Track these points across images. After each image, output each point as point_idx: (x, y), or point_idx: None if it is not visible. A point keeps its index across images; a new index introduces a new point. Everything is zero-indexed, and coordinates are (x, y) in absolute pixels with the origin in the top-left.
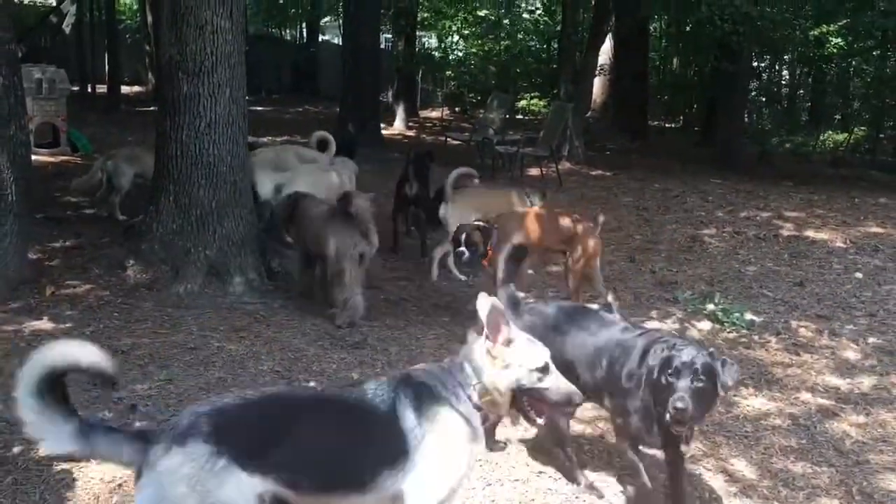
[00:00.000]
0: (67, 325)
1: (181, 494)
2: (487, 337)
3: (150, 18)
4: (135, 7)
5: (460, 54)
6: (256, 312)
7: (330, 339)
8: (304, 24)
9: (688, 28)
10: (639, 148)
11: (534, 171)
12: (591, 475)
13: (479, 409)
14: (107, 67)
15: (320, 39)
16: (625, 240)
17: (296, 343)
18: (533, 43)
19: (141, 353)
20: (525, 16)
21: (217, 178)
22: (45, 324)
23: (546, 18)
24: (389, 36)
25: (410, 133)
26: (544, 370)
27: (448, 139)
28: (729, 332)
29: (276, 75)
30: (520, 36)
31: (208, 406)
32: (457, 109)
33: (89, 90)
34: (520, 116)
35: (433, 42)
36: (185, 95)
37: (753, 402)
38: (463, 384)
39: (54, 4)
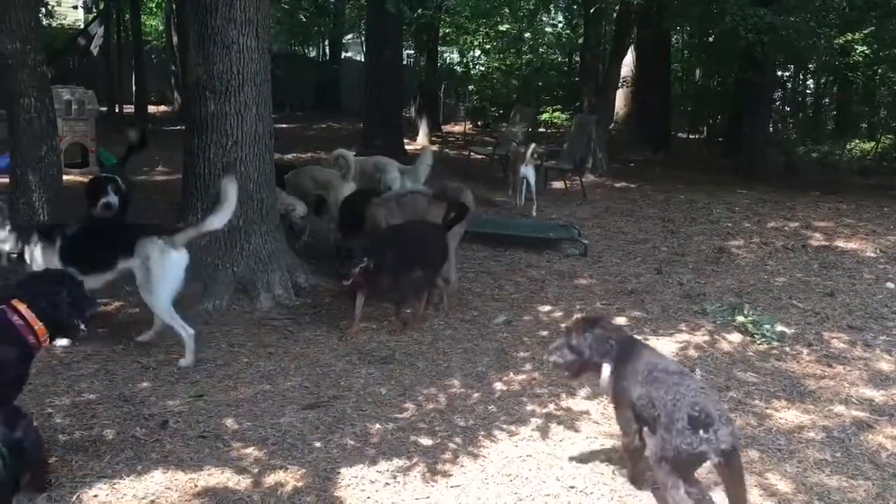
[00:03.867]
0: (98, 341)
1: None
2: None
3: (175, 39)
4: (160, 28)
5: (482, 69)
6: (284, 328)
7: (357, 355)
8: (326, 42)
9: (711, 39)
10: (663, 159)
11: (558, 184)
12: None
13: None
14: (134, 88)
15: (343, 56)
16: (651, 252)
17: (324, 359)
18: (555, 56)
19: (171, 368)
20: (547, 29)
21: (244, 195)
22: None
23: (568, 31)
24: (411, 52)
25: (434, 147)
26: None
27: (471, 153)
28: (759, 345)
29: (300, 93)
30: (542, 50)
31: None
32: (479, 124)
33: (117, 111)
34: (542, 130)
35: (455, 57)
36: (213, 114)
37: (786, 414)
38: None
39: (82, 27)
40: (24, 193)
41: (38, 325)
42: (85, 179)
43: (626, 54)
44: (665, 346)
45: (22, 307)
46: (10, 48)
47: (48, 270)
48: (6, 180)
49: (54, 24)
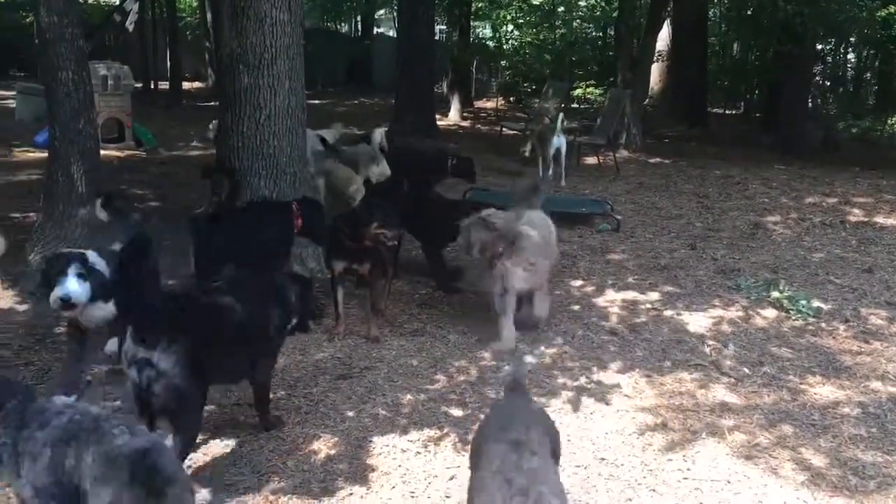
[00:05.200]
0: None
1: None
2: None
3: (209, 15)
4: (194, 5)
5: (515, 44)
6: (317, 300)
7: (389, 327)
8: (358, 18)
9: (749, 11)
10: (698, 135)
11: (591, 160)
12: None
13: None
14: (168, 64)
15: (375, 32)
16: (685, 227)
17: (356, 330)
18: (589, 30)
19: None
20: (581, 3)
21: (277, 168)
22: None
23: (603, 4)
24: (444, 27)
25: (465, 124)
26: None
27: (503, 129)
28: (795, 320)
29: (332, 68)
30: (575, 23)
31: None
32: (511, 99)
33: (152, 86)
34: (575, 105)
35: (487, 32)
36: (246, 88)
37: (821, 390)
38: None
39: (118, 3)
40: (62, 166)
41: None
42: (121, 154)
43: (661, 28)
44: (698, 321)
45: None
46: (48, 21)
47: None
48: (45, 154)
49: (90, 0)
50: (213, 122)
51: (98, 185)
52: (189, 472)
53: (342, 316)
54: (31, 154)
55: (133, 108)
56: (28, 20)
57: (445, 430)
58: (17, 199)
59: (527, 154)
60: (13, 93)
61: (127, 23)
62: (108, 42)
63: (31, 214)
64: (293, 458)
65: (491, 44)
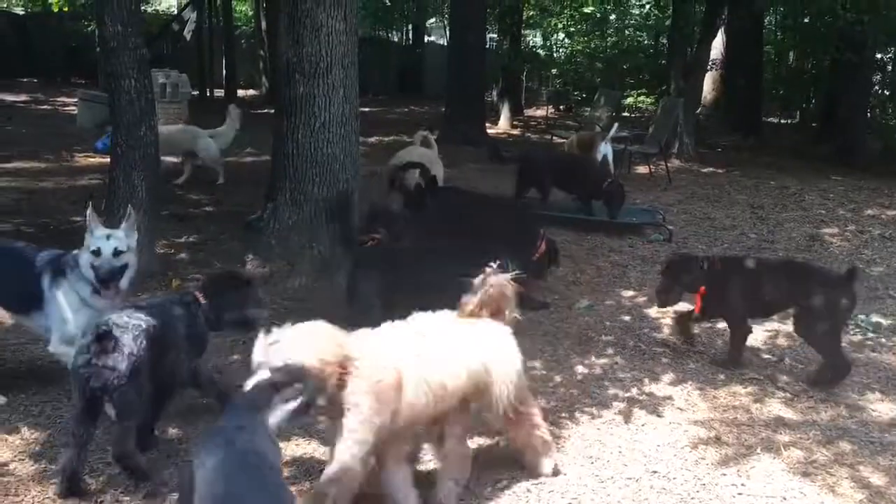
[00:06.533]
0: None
1: None
2: None
3: (263, 24)
4: (250, 14)
5: (566, 52)
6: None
7: None
8: (409, 26)
9: (806, 19)
10: (752, 145)
11: (642, 169)
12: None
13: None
14: (224, 72)
15: (426, 41)
16: (739, 238)
17: None
18: (641, 38)
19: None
20: (634, 11)
21: (330, 175)
22: None
23: (656, 12)
24: (494, 35)
25: (515, 132)
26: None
27: (553, 138)
28: (854, 335)
29: (383, 76)
30: (628, 31)
31: None
32: (561, 108)
33: (207, 94)
34: (626, 114)
35: (538, 40)
36: (301, 96)
37: (881, 407)
38: None
39: (176, 13)
40: (123, 171)
41: None
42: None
43: (715, 36)
44: (754, 334)
45: None
46: (112, 31)
47: None
48: (105, 159)
49: (149, 9)
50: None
51: (156, 190)
52: None
53: None
54: (92, 159)
55: (189, 115)
56: (90, 29)
57: (495, 439)
58: (79, 202)
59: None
60: (75, 100)
61: (185, 31)
62: (166, 50)
63: None
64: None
65: (542, 52)
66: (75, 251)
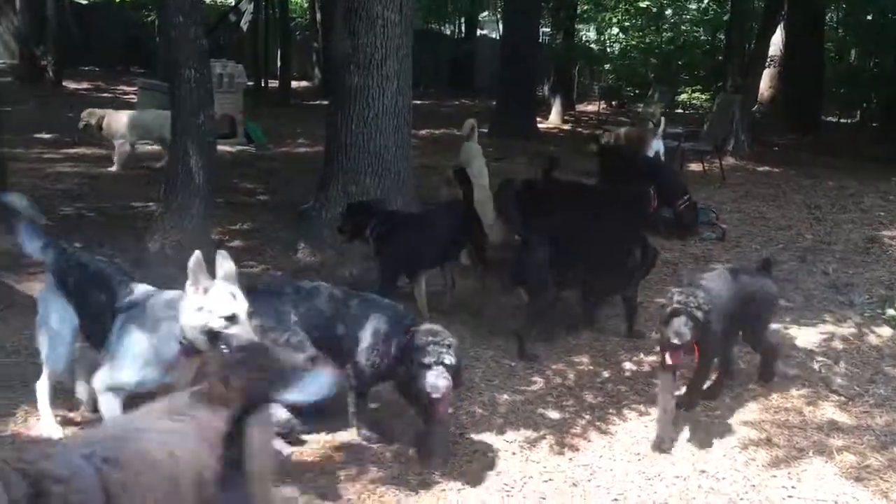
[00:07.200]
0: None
1: None
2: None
3: (318, 16)
4: (305, 5)
5: (620, 47)
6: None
7: (488, 327)
8: (462, 20)
9: (869, 16)
10: (810, 144)
11: (695, 166)
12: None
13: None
14: (279, 63)
15: (478, 34)
16: (795, 238)
17: (453, 328)
18: (698, 33)
19: None
20: (691, 6)
21: (382, 166)
22: None
23: (714, 7)
24: (547, 29)
25: (566, 127)
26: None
27: (604, 133)
28: None
29: (434, 69)
30: (684, 27)
31: None
32: (613, 103)
33: (262, 84)
34: (680, 110)
35: (592, 35)
36: (356, 87)
37: None
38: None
39: (234, 4)
40: (182, 159)
41: None
42: (232, 150)
43: (774, 32)
44: (807, 336)
45: None
46: (173, 21)
47: None
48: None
49: (207, 0)
50: (86, 111)
51: (212, 178)
52: (291, 459)
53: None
54: (151, 147)
55: (244, 105)
56: (149, 19)
57: (542, 432)
58: (138, 189)
59: (594, 150)
60: (135, 88)
61: (241, 22)
62: (222, 41)
63: (151, 204)
64: (391, 450)
65: (595, 47)
66: (167, 294)
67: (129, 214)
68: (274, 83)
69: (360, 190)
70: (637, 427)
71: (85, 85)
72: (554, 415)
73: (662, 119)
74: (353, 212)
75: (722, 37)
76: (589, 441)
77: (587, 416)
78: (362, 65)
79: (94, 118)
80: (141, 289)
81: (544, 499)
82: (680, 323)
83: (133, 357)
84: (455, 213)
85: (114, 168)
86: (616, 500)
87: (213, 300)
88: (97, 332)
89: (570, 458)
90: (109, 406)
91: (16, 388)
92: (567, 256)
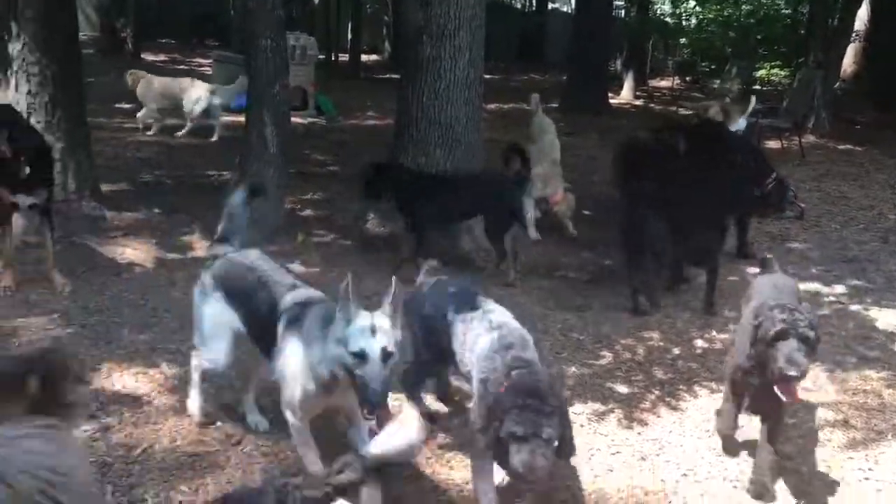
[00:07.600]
0: (315, 269)
1: None
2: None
3: None
4: None
5: (696, 20)
6: (484, 269)
7: (555, 300)
8: None
9: None
10: (895, 122)
11: (773, 144)
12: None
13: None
14: (349, 36)
15: (549, 8)
16: (877, 219)
17: (521, 301)
18: (779, 6)
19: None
20: None
21: (453, 138)
22: (296, 267)
23: None
24: (621, 2)
25: (638, 103)
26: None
27: (680, 110)
28: None
29: (504, 43)
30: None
31: None
32: (688, 79)
33: (333, 58)
34: (757, 87)
35: (667, 8)
36: (428, 58)
37: None
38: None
39: None
40: (257, 129)
41: None
42: (304, 122)
43: (860, 6)
44: (888, 318)
45: None
46: None
47: None
48: (239, 118)
49: None
50: (129, 71)
51: (286, 148)
52: None
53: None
54: (226, 117)
55: (315, 78)
56: None
57: (610, 406)
58: (214, 158)
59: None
60: (209, 60)
61: None
62: (294, 14)
63: (226, 172)
64: (459, 416)
65: (670, 20)
66: (319, 306)
67: (205, 183)
68: (344, 56)
69: (430, 161)
70: (708, 403)
71: (162, 57)
72: (623, 389)
73: (753, 98)
74: (373, 173)
75: (804, 10)
76: (658, 416)
77: (657, 392)
78: (434, 35)
79: (132, 80)
80: (301, 294)
81: (611, 471)
82: (790, 348)
83: (293, 377)
84: (487, 181)
85: (139, 125)
86: (685, 475)
87: (350, 334)
88: (263, 339)
89: (639, 433)
90: (293, 429)
91: (100, 345)
92: (674, 222)
